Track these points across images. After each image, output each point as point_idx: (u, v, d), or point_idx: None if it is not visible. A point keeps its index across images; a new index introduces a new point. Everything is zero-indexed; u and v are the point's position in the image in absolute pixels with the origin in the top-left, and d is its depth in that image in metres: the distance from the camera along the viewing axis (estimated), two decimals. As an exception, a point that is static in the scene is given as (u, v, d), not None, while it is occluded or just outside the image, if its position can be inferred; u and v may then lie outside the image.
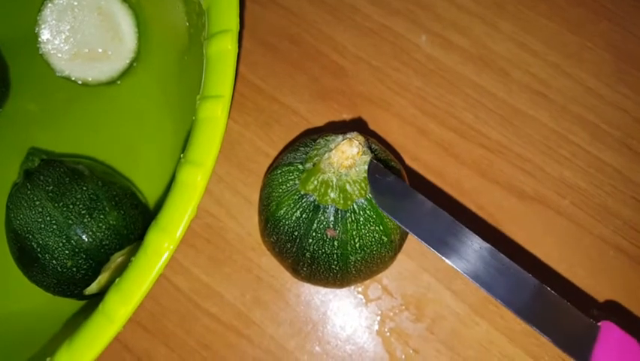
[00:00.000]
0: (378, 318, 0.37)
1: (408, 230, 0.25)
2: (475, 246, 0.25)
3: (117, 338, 0.26)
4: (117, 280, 0.23)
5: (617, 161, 0.39)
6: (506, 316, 0.36)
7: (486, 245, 0.25)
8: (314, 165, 0.27)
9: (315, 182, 0.26)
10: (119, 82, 0.42)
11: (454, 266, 0.25)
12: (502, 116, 0.41)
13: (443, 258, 0.25)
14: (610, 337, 0.23)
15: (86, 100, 0.42)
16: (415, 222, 0.25)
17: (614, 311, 0.36)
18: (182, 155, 0.25)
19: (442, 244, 0.25)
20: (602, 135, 0.40)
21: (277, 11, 0.44)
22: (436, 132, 0.40)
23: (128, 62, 0.41)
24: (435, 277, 0.37)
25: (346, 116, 0.41)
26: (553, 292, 0.24)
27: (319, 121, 0.41)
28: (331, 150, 0.26)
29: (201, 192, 0.23)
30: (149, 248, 0.23)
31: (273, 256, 0.33)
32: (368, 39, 0.43)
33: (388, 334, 0.37)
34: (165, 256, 0.22)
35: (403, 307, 0.37)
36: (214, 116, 0.24)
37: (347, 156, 0.25)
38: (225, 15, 0.25)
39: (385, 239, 0.28)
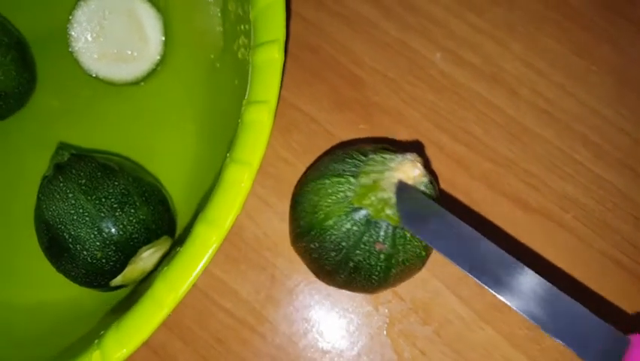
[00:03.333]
0: (388, 320, 0.39)
1: (433, 247, 0.26)
2: (504, 263, 0.25)
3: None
4: (165, 268, 0.24)
5: (617, 179, 0.42)
6: (510, 322, 0.38)
7: (512, 260, 0.25)
8: (374, 181, 0.28)
9: (373, 198, 0.27)
10: (142, 83, 0.43)
11: (480, 282, 0.25)
12: (510, 132, 0.43)
13: (469, 273, 0.25)
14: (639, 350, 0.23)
15: (110, 99, 0.43)
16: (440, 240, 0.26)
17: (611, 322, 0.38)
18: (227, 154, 0.26)
19: (468, 263, 0.25)
20: (604, 155, 0.42)
21: (298, 22, 0.45)
22: (448, 145, 0.42)
23: (153, 64, 0.42)
24: (443, 282, 0.39)
25: (363, 126, 0.43)
26: (578, 303, 0.25)
27: (337, 129, 0.42)
28: (392, 169, 0.27)
29: (247, 190, 0.25)
30: (198, 240, 0.24)
31: (302, 259, 0.34)
32: (385, 53, 0.45)
33: (397, 336, 0.38)
34: (213, 248, 0.24)
35: (412, 310, 0.39)
36: (260, 119, 0.25)
37: (409, 177, 0.27)
38: (273, 25, 0.27)
39: (424, 253, 0.30)
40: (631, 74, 0.45)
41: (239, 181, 0.25)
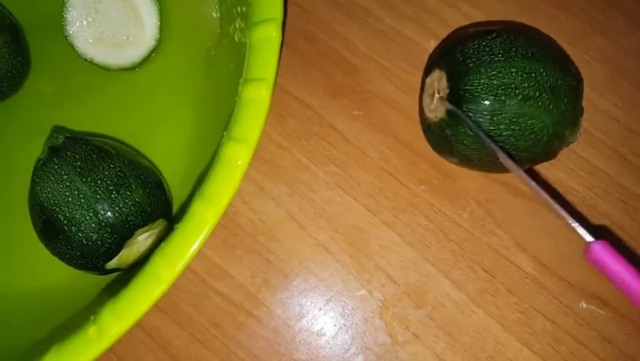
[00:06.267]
0: (382, 304, 0.39)
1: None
2: None
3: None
4: (162, 244, 0.25)
5: (607, 166, 0.42)
6: (502, 305, 0.39)
7: None
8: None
9: None
10: (138, 69, 0.43)
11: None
12: (503, 120, 0.43)
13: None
14: None
15: (105, 84, 0.43)
16: None
17: (599, 304, 0.39)
18: (224, 133, 0.26)
19: None
20: (595, 142, 0.43)
21: (293, 9, 0.46)
22: (442, 131, 0.42)
23: (149, 49, 0.42)
24: (435, 266, 0.40)
25: (357, 112, 0.43)
26: None
27: (331, 116, 0.43)
28: None
29: (245, 167, 0.25)
30: (195, 216, 0.24)
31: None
32: (379, 40, 0.45)
33: (391, 319, 0.39)
34: (210, 225, 0.24)
35: (405, 294, 0.39)
36: (258, 97, 0.25)
37: None
38: (271, 4, 0.27)
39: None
40: (623, 63, 0.46)
41: (236, 159, 0.25)
